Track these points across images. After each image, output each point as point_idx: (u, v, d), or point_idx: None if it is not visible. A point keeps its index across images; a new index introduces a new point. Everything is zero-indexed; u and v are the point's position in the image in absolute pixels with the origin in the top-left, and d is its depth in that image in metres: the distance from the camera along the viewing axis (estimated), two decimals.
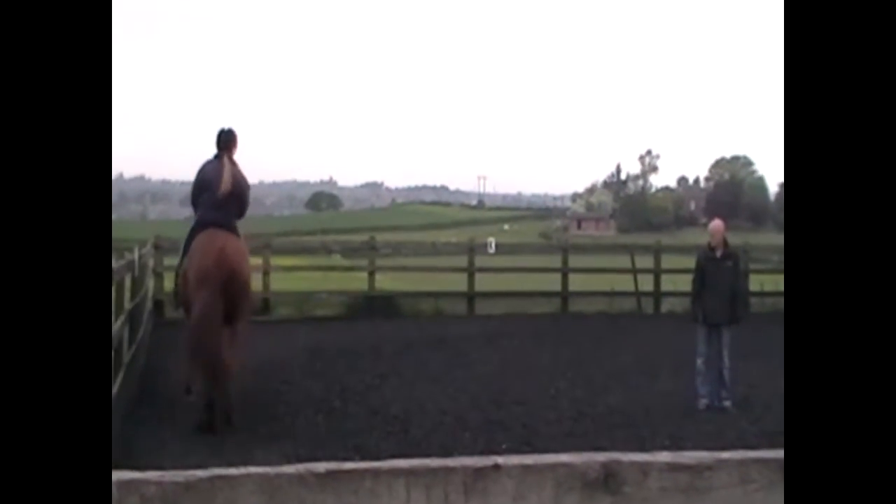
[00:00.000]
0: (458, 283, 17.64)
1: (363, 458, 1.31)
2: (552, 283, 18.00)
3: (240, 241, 8.39)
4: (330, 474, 1.44)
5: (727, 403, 8.91)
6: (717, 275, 9.19)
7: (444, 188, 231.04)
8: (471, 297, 17.14)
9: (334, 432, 7.66)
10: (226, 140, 8.39)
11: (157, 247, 15.69)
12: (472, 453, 1.29)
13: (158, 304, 15.30)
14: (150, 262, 15.00)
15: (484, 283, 17.77)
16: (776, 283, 19.35)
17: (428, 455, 1.49)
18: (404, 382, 9.96)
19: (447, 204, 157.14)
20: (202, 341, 7.67)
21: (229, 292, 7.82)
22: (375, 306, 16.69)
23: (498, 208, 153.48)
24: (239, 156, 8.47)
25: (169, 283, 16.12)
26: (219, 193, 8.16)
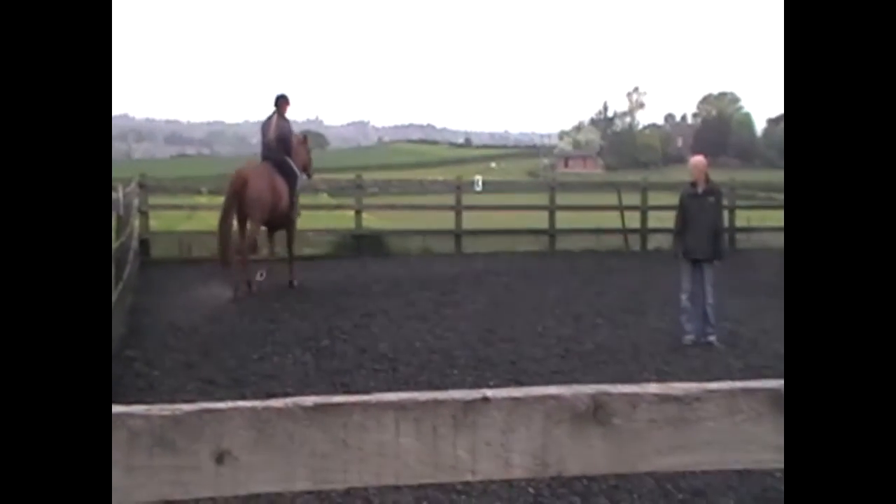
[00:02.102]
0: (446, 221, 17.63)
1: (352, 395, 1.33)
2: (539, 220, 18.02)
3: (273, 171, 11.67)
4: (318, 408, 1.43)
5: (712, 339, 8.99)
6: (699, 211, 9.17)
7: (430, 126, 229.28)
8: (458, 235, 17.15)
9: (322, 371, 7.71)
10: (277, 102, 12.04)
11: (141, 186, 15.54)
12: (464, 390, 1.30)
13: (144, 244, 15.23)
14: (135, 202, 14.87)
15: (471, 221, 17.77)
16: (762, 218, 19.46)
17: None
18: (392, 321, 10.00)
19: (434, 142, 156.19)
20: (219, 234, 11.32)
21: (241, 201, 11.23)
22: (363, 245, 16.68)
23: (485, 146, 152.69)
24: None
25: (155, 222, 16.05)
26: (266, 140, 12.00)
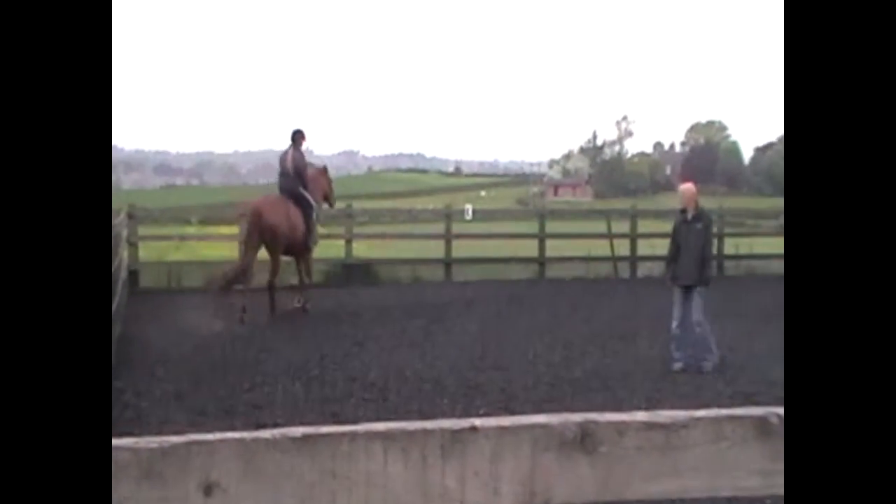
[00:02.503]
0: (436, 249, 17.65)
1: (342, 425, 1.33)
2: (529, 248, 18.07)
3: (287, 201, 12.46)
4: (306, 438, 1.43)
5: (705, 365, 8.98)
6: (688, 237, 9.25)
7: (420, 155, 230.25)
8: (448, 263, 17.17)
9: (312, 400, 7.68)
10: (293, 136, 12.81)
11: (130, 216, 15.51)
12: (450, 418, 1.31)
13: (133, 274, 15.18)
14: (124, 232, 14.84)
15: (461, 249, 17.81)
16: (750, 245, 19.58)
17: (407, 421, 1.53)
18: (382, 349, 9.99)
19: (424, 171, 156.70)
20: (239, 264, 12.29)
21: (259, 232, 12.09)
22: (353, 273, 16.68)
23: (475, 175, 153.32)
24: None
25: (144, 253, 16.02)
26: (283, 171, 12.91)
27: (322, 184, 13.47)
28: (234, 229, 16.99)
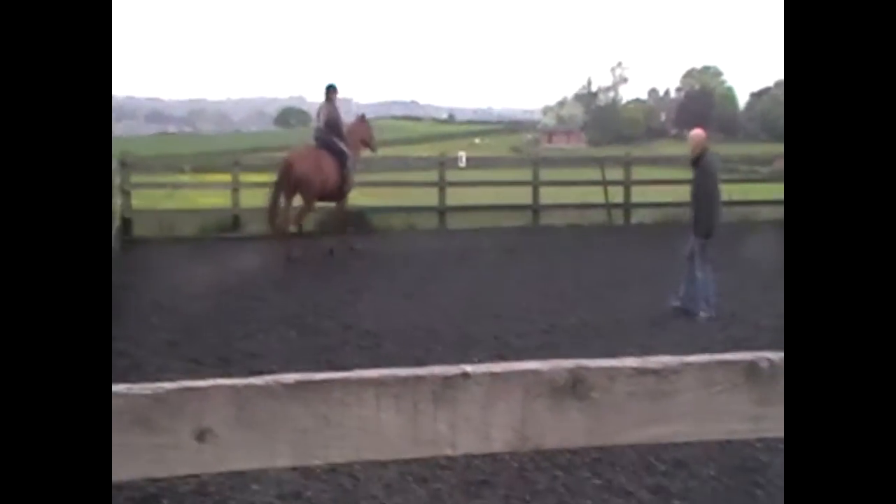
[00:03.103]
0: (430, 197, 17.59)
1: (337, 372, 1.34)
2: (523, 196, 18.01)
3: (320, 152, 13.23)
4: (299, 385, 1.44)
5: (700, 313, 9.03)
6: (692, 185, 9.34)
7: (414, 103, 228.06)
8: (442, 211, 17.12)
9: (307, 348, 7.72)
10: (326, 92, 13.64)
11: (123, 164, 15.40)
12: (446, 366, 1.31)
13: (126, 222, 15.12)
14: (117, 180, 14.74)
15: (455, 197, 17.74)
16: (745, 192, 19.55)
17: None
18: (377, 297, 10.02)
19: (417, 118, 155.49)
20: (268, 212, 12.98)
21: (288, 181, 12.83)
22: (346, 221, 16.63)
23: (469, 122, 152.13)
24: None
25: (137, 201, 15.95)
26: (317, 125, 13.80)
27: (360, 132, 14.18)
28: (226, 177, 16.96)
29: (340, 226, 14.10)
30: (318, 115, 13.86)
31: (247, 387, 1.42)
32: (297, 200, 13.14)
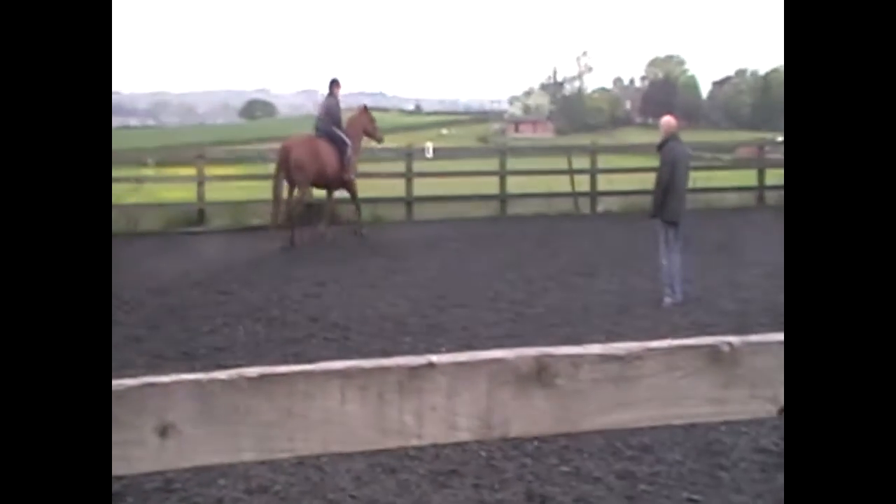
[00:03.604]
0: (397, 188, 17.56)
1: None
2: (490, 186, 18.05)
3: (318, 141, 13.96)
4: (263, 378, 1.43)
5: (665, 299, 9.13)
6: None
7: (381, 94, 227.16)
8: (409, 202, 17.10)
9: (273, 341, 7.67)
10: (329, 85, 14.63)
11: None
12: (414, 356, 1.30)
13: None
14: None
15: (422, 187, 17.73)
16: (708, 178, 19.77)
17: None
18: (344, 289, 9.98)
19: (384, 109, 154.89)
20: (272, 198, 13.67)
21: (286, 168, 13.52)
22: (312, 213, 16.54)
23: (436, 113, 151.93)
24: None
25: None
26: (318, 115, 14.84)
27: (361, 122, 14.83)
28: (191, 170, 16.78)
29: (354, 214, 14.77)
30: (320, 107, 14.86)
31: (210, 381, 1.40)
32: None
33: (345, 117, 14.59)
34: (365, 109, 15.41)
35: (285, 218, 13.50)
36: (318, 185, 14.34)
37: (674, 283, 9.20)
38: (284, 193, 13.65)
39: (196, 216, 16.07)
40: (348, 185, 14.48)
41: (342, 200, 14.92)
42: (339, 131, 14.25)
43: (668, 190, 9.32)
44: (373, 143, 15.70)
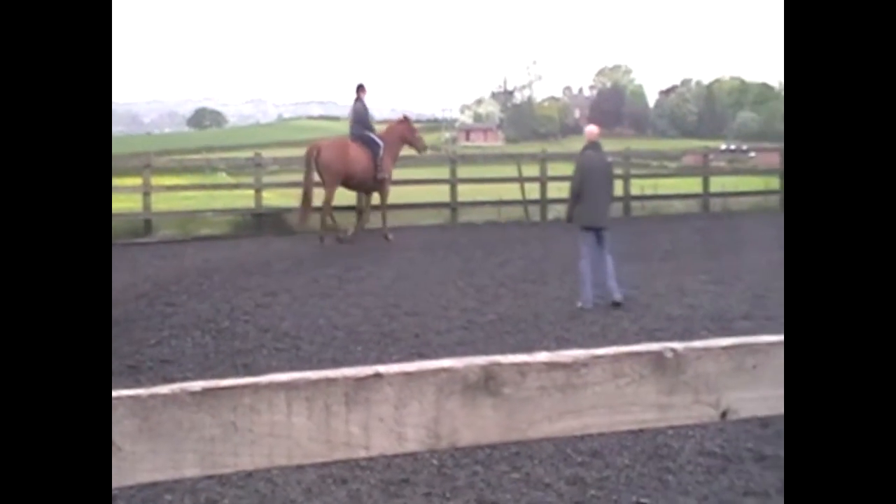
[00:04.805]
0: (349, 196, 17.47)
1: (253, 377, 1.30)
2: (441, 194, 18.08)
3: (349, 143, 14.68)
4: (206, 392, 1.40)
5: (578, 304, 9.28)
6: None
7: (332, 103, 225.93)
8: (360, 210, 17.02)
9: (223, 353, 7.57)
10: (356, 89, 15.20)
11: None
12: (363, 366, 1.29)
13: None
14: None
15: (373, 196, 17.65)
16: (655, 186, 20.09)
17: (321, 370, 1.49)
18: (295, 299, 9.90)
19: (335, 118, 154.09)
20: (301, 198, 14.72)
21: (317, 167, 14.46)
22: (263, 223, 16.39)
23: (387, 121, 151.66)
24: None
25: None
26: (350, 121, 15.49)
27: (399, 131, 15.42)
28: (137, 180, 16.45)
29: (381, 216, 15.18)
30: (350, 112, 15.69)
31: (151, 396, 1.37)
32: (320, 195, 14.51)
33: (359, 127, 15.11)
34: (405, 119, 16.18)
35: (325, 220, 14.41)
36: (350, 186, 14.89)
37: (611, 282, 9.29)
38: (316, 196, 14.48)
39: (142, 227, 15.79)
40: (380, 186, 14.90)
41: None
42: (371, 133, 14.84)
43: (579, 196, 9.47)
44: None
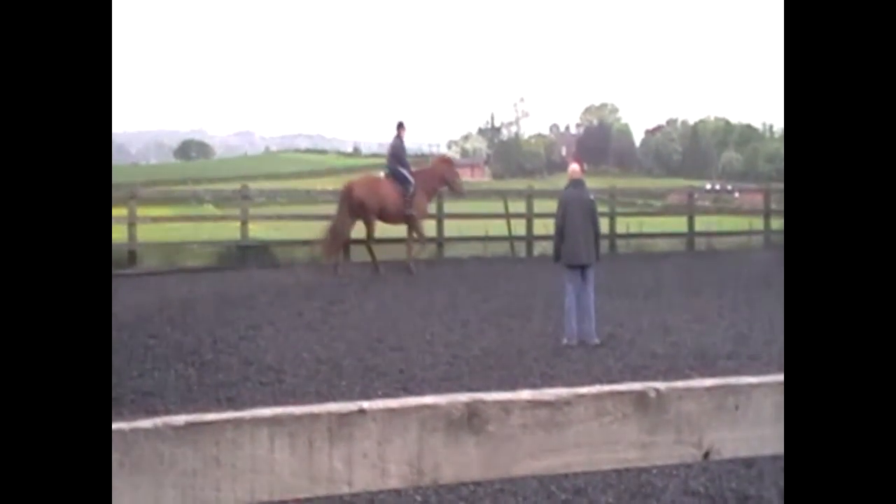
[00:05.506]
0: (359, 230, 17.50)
1: (236, 410, 1.30)
2: (428, 229, 18.09)
3: (381, 180, 15.69)
4: (189, 426, 1.39)
5: (563, 340, 9.28)
6: None
7: (320, 136, 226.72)
8: (346, 243, 17.02)
9: (206, 385, 7.51)
10: (396, 127, 15.76)
11: None
12: (348, 400, 1.29)
13: None
14: None
15: (359, 230, 17.67)
16: (640, 224, 20.21)
17: (305, 404, 1.48)
18: (279, 332, 9.85)
19: (323, 151, 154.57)
20: (333, 228, 15.09)
21: (349, 203, 14.99)
22: (248, 255, 16.36)
23: (374, 155, 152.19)
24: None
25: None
26: (388, 154, 16.34)
27: (439, 170, 16.05)
28: (122, 211, 16.46)
29: (411, 248, 15.71)
30: (388, 148, 16.40)
31: (133, 430, 1.37)
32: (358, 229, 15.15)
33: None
34: (445, 159, 17.30)
35: (335, 252, 15.00)
36: (383, 220, 15.40)
37: (569, 325, 9.31)
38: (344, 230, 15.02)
39: (127, 257, 15.71)
40: (410, 221, 15.31)
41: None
42: (405, 170, 15.34)
43: (561, 234, 9.54)
44: (315, 185, 16.01)
